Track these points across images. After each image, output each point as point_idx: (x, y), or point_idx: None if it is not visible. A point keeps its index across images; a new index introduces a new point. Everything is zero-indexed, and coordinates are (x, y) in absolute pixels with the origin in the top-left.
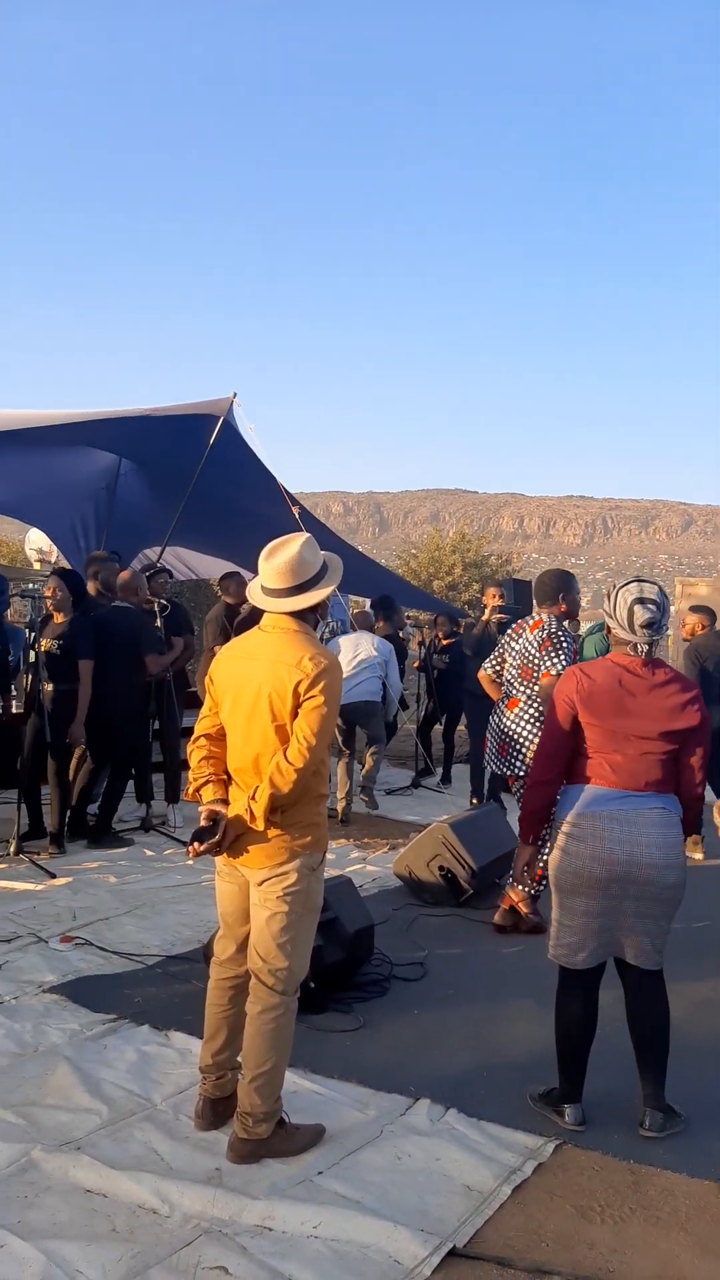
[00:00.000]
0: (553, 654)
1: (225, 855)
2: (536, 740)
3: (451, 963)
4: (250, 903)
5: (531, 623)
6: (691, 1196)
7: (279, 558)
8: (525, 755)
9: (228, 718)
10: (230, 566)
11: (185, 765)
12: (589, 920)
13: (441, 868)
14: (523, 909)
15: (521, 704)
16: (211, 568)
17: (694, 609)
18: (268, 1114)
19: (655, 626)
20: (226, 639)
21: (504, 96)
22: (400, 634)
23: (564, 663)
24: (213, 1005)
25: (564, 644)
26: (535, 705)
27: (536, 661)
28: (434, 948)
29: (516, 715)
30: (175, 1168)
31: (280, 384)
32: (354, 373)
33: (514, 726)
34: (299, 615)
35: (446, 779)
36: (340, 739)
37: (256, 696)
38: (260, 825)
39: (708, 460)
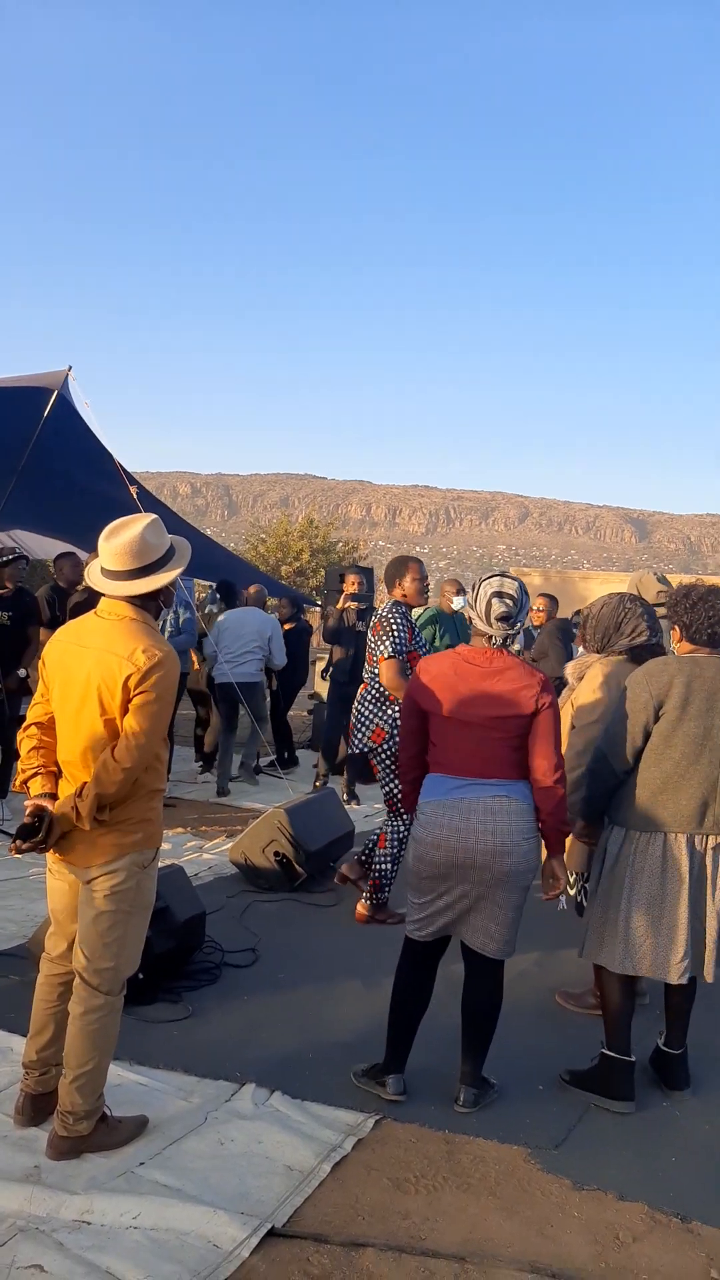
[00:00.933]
0: (382, 638)
1: (53, 852)
2: (376, 720)
3: (283, 948)
4: (79, 900)
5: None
6: (501, 1162)
7: (120, 538)
8: (365, 734)
9: (57, 707)
10: (66, 546)
11: (15, 756)
12: (432, 900)
13: (277, 853)
14: (360, 915)
15: (366, 685)
16: (50, 548)
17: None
18: (89, 1112)
19: (509, 620)
20: (53, 623)
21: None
22: None
23: (391, 647)
24: (41, 1001)
25: (394, 627)
26: (376, 687)
27: (372, 645)
28: (267, 934)
29: (361, 696)
30: None
31: (126, 361)
32: (204, 353)
33: (358, 706)
34: (139, 602)
35: (289, 762)
36: (223, 717)
37: (86, 687)
38: (86, 825)
39: (543, 454)
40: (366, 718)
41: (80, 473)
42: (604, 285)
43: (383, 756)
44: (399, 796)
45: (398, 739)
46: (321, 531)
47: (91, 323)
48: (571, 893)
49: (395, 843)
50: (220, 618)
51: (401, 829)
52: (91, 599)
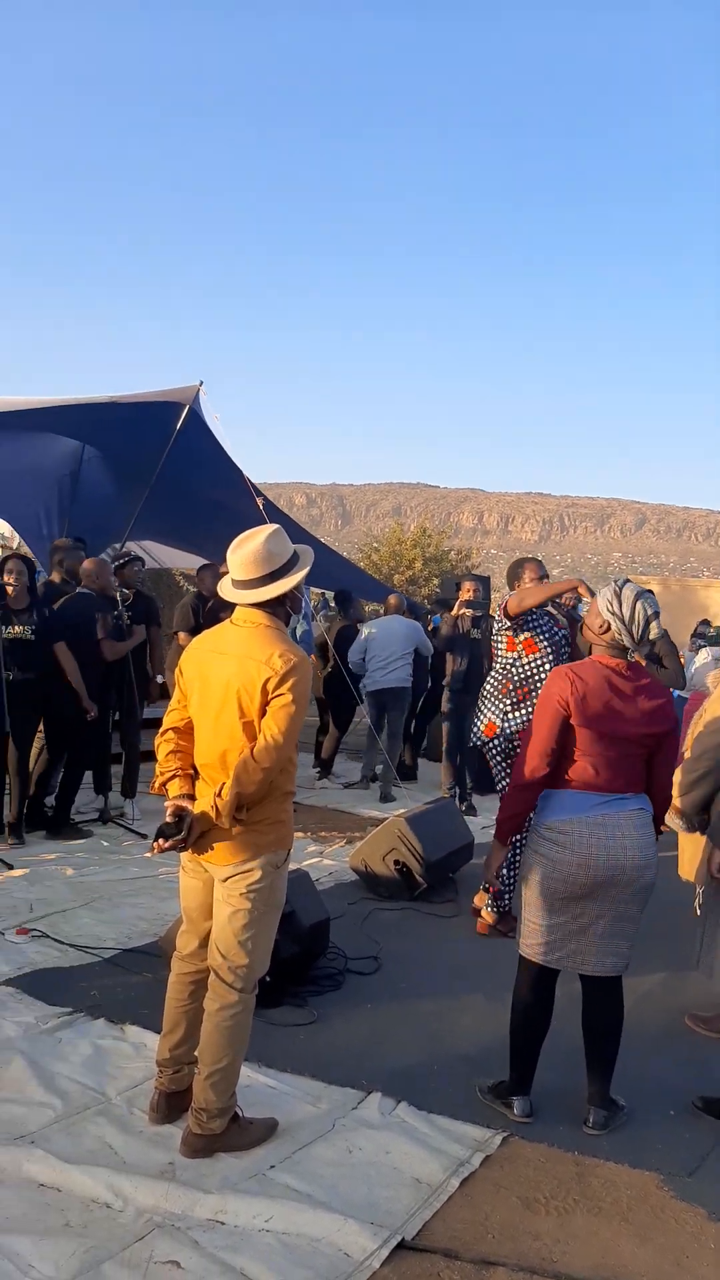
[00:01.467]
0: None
1: (190, 851)
2: (489, 713)
3: (405, 957)
4: (213, 899)
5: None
6: (633, 1187)
7: (246, 549)
8: (479, 728)
9: (196, 712)
10: (191, 557)
11: (145, 758)
12: (567, 922)
13: (397, 862)
14: (483, 925)
15: (488, 679)
16: (174, 558)
17: None
18: (222, 1110)
19: (621, 634)
20: (193, 629)
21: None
22: (358, 626)
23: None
24: (173, 1000)
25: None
26: (494, 680)
27: (494, 640)
28: (388, 942)
29: (482, 690)
30: (129, 1162)
31: (246, 375)
32: (320, 366)
33: (479, 700)
34: (269, 608)
35: (409, 773)
36: (371, 721)
37: (225, 691)
38: (226, 823)
39: (661, 461)
40: (482, 712)
41: (207, 485)
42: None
43: (493, 751)
44: None
45: (510, 733)
46: (434, 540)
47: (207, 336)
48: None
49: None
50: (369, 631)
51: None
52: (222, 607)
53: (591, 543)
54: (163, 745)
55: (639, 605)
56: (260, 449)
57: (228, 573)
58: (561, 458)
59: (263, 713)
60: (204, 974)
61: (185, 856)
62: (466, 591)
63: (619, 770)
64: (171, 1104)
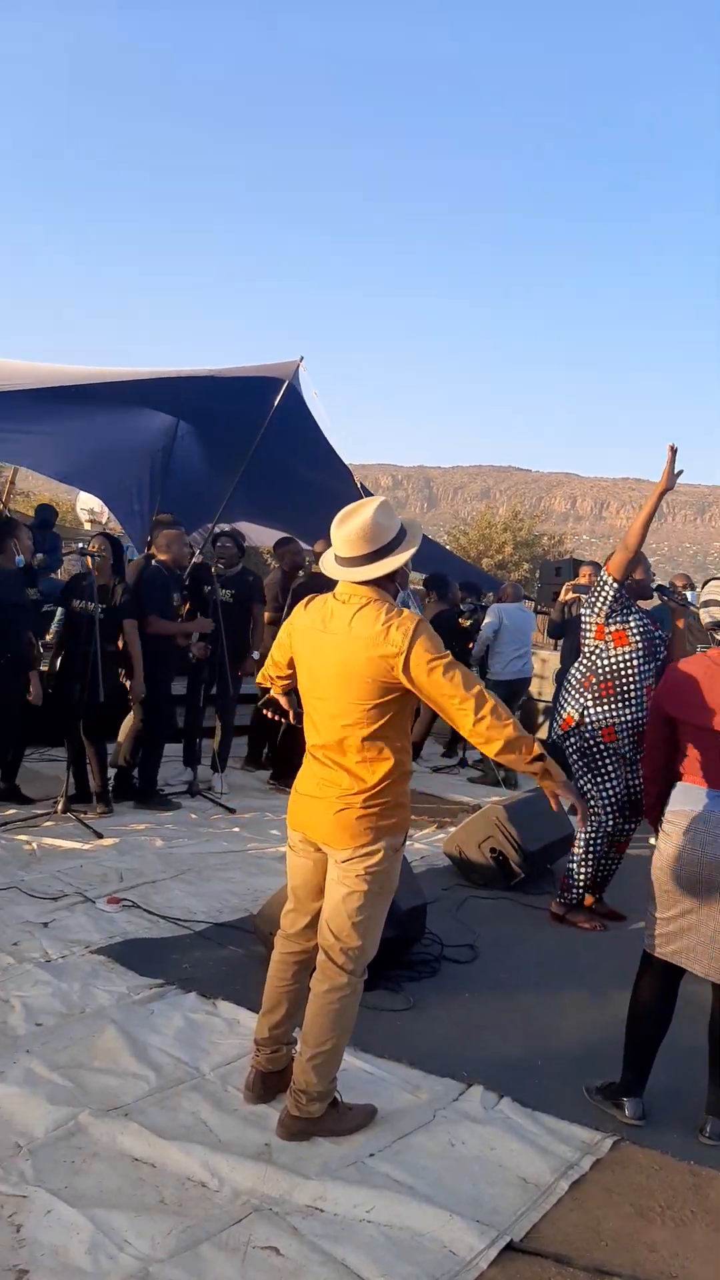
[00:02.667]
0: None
1: (299, 829)
2: (568, 706)
3: (502, 947)
4: (327, 879)
5: None
6: None
7: (352, 524)
8: (558, 721)
9: (306, 693)
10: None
11: (238, 733)
12: (677, 917)
13: (493, 849)
14: (574, 918)
15: (572, 670)
16: (262, 536)
17: None
18: (322, 1093)
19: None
20: (280, 609)
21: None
22: (466, 611)
23: (595, 613)
24: (275, 978)
25: (598, 597)
26: (575, 674)
27: (583, 627)
28: (484, 930)
29: (565, 682)
30: (224, 1140)
31: (329, 353)
32: (407, 345)
33: (562, 693)
34: (377, 584)
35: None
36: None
37: (340, 674)
38: (554, 772)
39: None
40: (561, 704)
41: (301, 464)
42: None
43: (570, 748)
44: (588, 793)
45: (588, 729)
46: (526, 524)
47: (299, 303)
48: None
49: (583, 845)
50: (499, 619)
51: (591, 831)
52: (313, 582)
53: (690, 532)
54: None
55: (706, 591)
56: (345, 429)
57: (323, 549)
58: (659, 443)
59: (388, 691)
60: (309, 954)
61: (296, 836)
62: (584, 576)
63: None
64: (268, 1084)
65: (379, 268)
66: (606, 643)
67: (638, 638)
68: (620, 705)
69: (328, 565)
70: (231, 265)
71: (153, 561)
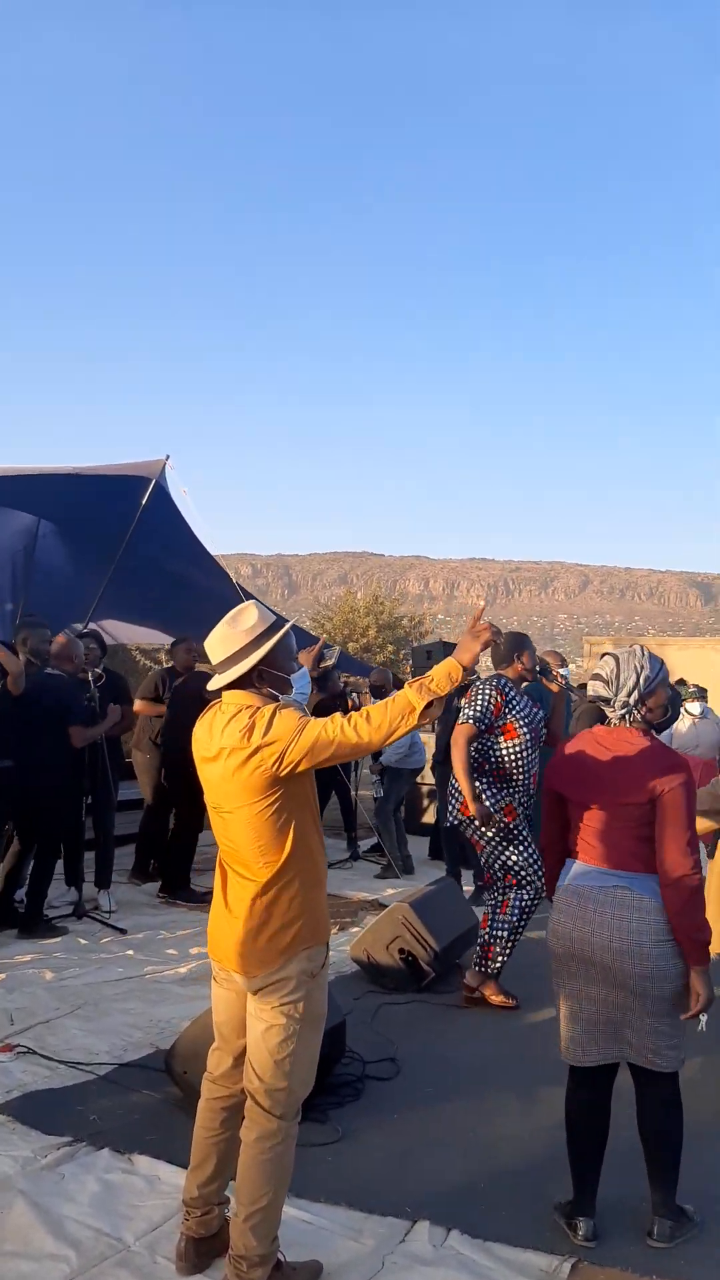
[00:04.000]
0: (467, 705)
1: (217, 958)
2: (456, 792)
3: (424, 1056)
4: (247, 1013)
5: None
6: None
7: (213, 633)
8: (455, 806)
9: (209, 803)
10: (150, 633)
11: (119, 843)
12: (573, 1004)
13: (402, 950)
14: (490, 991)
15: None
16: (131, 634)
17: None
18: (264, 1256)
19: (606, 702)
20: (154, 699)
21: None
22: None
23: (471, 713)
24: (203, 1129)
25: (480, 697)
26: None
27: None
28: (402, 1040)
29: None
30: None
31: (186, 446)
32: (260, 437)
33: (451, 779)
34: (251, 688)
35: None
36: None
37: (225, 780)
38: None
39: (602, 523)
40: (456, 789)
41: (170, 560)
42: (661, 341)
43: (476, 829)
44: (516, 868)
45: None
46: (387, 608)
47: (158, 407)
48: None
49: (517, 911)
50: None
51: (526, 898)
52: (193, 681)
53: (537, 605)
54: None
55: (605, 662)
56: (203, 520)
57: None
58: (503, 523)
59: (264, 786)
60: (238, 1098)
61: (217, 966)
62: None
63: (598, 841)
64: (201, 1250)
65: (223, 367)
66: (496, 736)
67: (524, 728)
68: (513, 789)
69: (213, 681)
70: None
71: (48, 670)
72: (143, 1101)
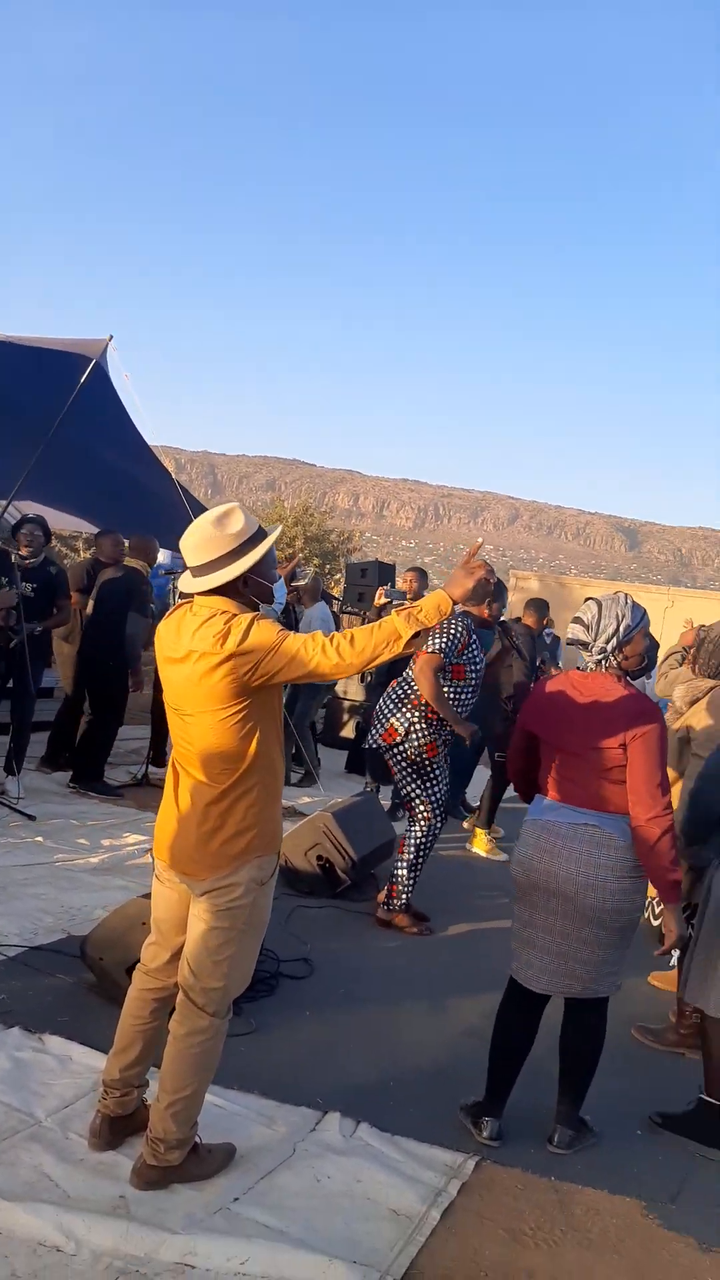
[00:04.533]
0: (435, 635)
1: (164, 859)
2: (391, 718)
3: (337, 959)
4: (189, 913)
5: None
6: (618, 1216)
7: (191, 532)
8: (379, 731)
9: (168, 706)
10: (76, 521)
11: (36, 729)
12: (527, 930)
13: (320, 857)
14: (401, 922)
15: (396, 683)
16: (63, 523)
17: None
18: (182, 1140)
19: (583, 645)
20: (84, 590)
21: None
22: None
23: (439, 644)
24: (130, 1016)
25: (451, 629)
26: (402, 688)
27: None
28: (317, 942)
29: (387, 692)
30: (74, 1196)
31: (116, 325)
32: (195, 327)
33: (381, 701)
34: (229, 594)
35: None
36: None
37: (192, 684)
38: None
39: (537, 457)
40: (383, 715)
41: (103, 447)
42: (611, 286)
43: (396, 756)
44: (419, 803)
45: (413, 744)
46: (317, 519)
47: (84, 284)
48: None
49: (413, 849)
50: (306, 623)
51: (419, 835)
52: (126, 579)
53: (465, 534)
54: None
55: (588, 607)
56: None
57: (136, 544)
58: (440, 446)
59: (233, 695)
60: (170, 992)
61: (161, 865)
62: (407, 581)
63: (569, 781)
64: (115, 1129)
65: (169, 242)
66: (445, 674)
67: (472, 673)
68: (443, 727)
69: (184, 580)
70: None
71: None
72: (55, 984)
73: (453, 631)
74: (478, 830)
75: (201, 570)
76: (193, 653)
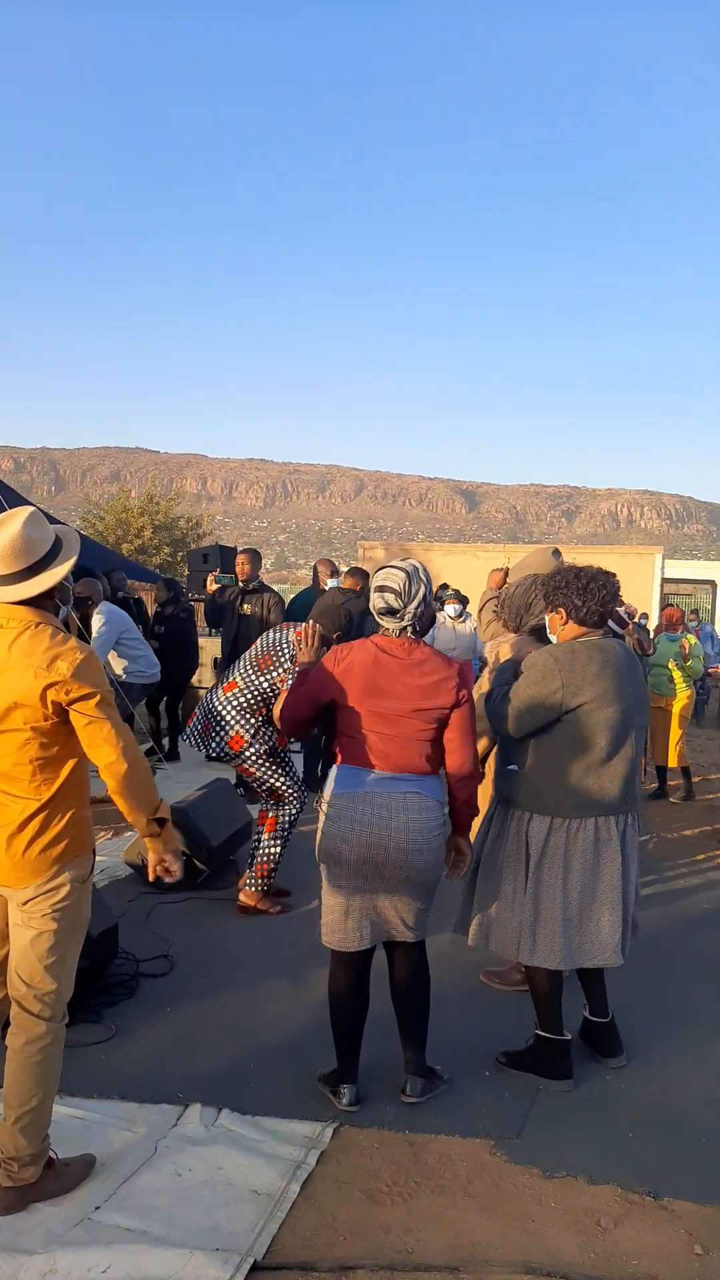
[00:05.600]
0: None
1: None
2: (236, 726)
3: (197, 951)
4: (10, 922)
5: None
6: (468, 1158)
7: (1, 540)
8: (223, 739)
9: None
10: None
11: None
12: (348, 899)
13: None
14: (264, 905)
15: (234, 687)
16: None
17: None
18: (35, 1156)
19: (393, 613)
20: None
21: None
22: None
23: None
24: None
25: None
26: (248, 696)
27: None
28: (177, 937)
29: (225, 698)
30: None
31: None
32: (20, 318)
33: (220, 707)
34: (36, 603)
35: (173, 755)
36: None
37: (5, 702)
38: (167, 834)
39: (377, 428)
40: (228, 723)
41: None
42: (429, 259)
43: (250, 757)
44: (283, 789)
45: (262, 741)
46: (163, 507)
47: None
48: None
49: (283, 827)
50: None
51: (291, 814)
52: None
53: (314, 508)
54: None
55: (373, 582)
56: None
57: None
58: (283, 424)
59: (53, 718)
60: (3, 1004)
61: None
62: (240, 564)
63: (390, 749)
64: None
65: None
66: (275, 688)
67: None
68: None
69: None
70: None
71: None
72: None
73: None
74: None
75: (15, 578)
76: (10, 665)
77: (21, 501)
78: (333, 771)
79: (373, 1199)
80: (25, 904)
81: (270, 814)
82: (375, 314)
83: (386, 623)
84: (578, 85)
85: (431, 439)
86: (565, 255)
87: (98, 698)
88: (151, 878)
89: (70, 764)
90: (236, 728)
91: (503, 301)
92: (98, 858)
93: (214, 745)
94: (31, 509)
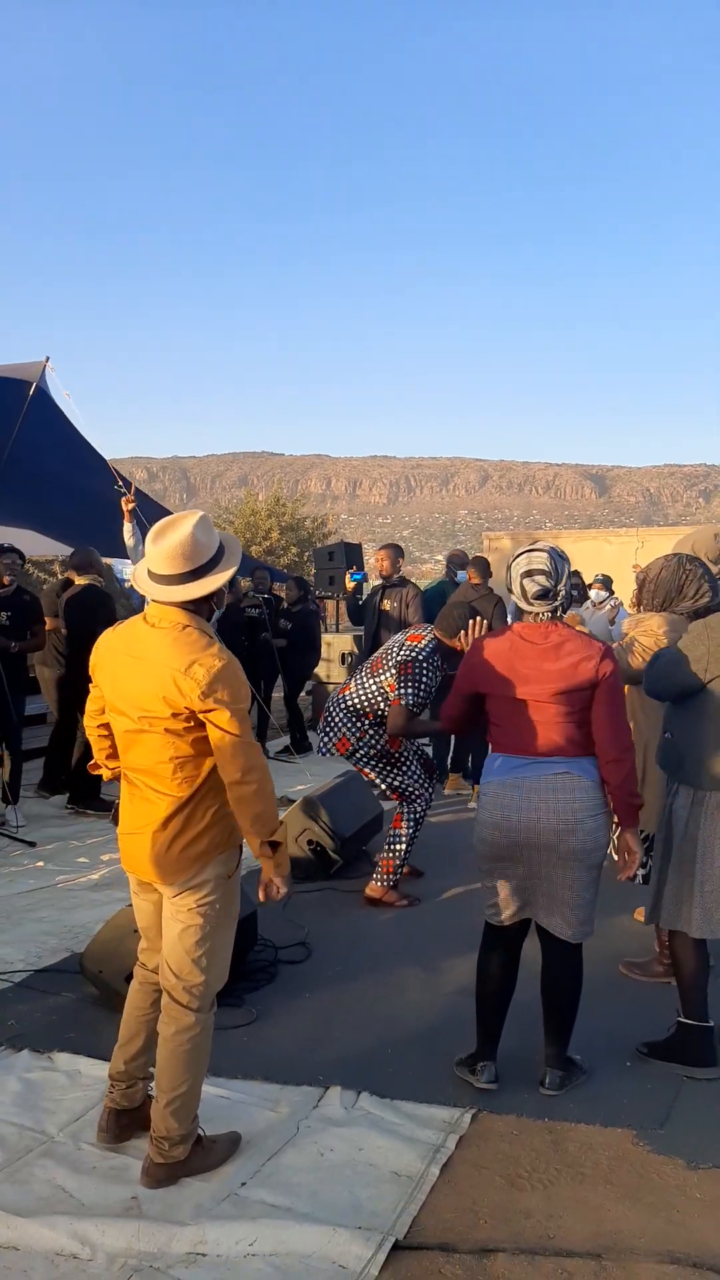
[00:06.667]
0: (408, 681)
1: (133, 871)
2: (344, 730)
3: (333, 939)
4: (163, 916)
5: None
6: (610, 1147)
7: (169, 539)
8: (331, 740)
9: (112, 718)
10: (41, 541)
11: (27, 758)
12: (505, 883)
13: (311, 841)
14: (390, 899)
15: (349, 689)
16: (32, 545)
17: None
18: (185, 1135)
19: (547, 595)
20: (56, 614)
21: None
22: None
23: (413, 695)
24: (133, 1008)
25: (425, 674)
26: (359, 701)
27: (396, 681)
28: (313, 925)
29: (338, 698)
30: (88, 1204)
31: (75, 344)
32: (152, 335)
33: (331, 708)
34: (192, 606)
35: (302, 746)
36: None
37: (144, 701)
38: (281, 858)
39: (499, 417)
40: (336, 724)
41: (59, 466)
42: (543, 243)
43: (362, 758)
44: (403, 788)
45: (373, 744)
46: (289, 509)
47: (29, 300)
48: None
49: (411, 824)
50: None
51: (419, 811)
52: (87, 594)
53: (438, 502)
54: (93, 730)
55: (513, 570)
56: (94, 422)
57: (77, 561)
58: (404, 420)
59: (190, 725)
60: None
61: (134, 879)
62: (379, 560)
63: (536, 733)
64: (122, 1122)
65: (125, 251)
66: (384, 691)
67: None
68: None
69: (141, 581)
70: None
71: None
72: (60, 1003)
73: (425, 682)
74: (475, 788)
75: (174, 580)
76: (158, 665)
77: (161, 510)
78: (489, 761)
79: (513, 1184)
80: (173, 898)
81: (399, 810)
82: (489, 302)
83: (538, 606)
84: None
85: (558, 425)
86: (691, 222)
87: (229, 712)
88: (263, 898)
89: (211, 762)
90: (343, 730)
91: (626, 275)
92: None
93: (324, 742)
94: (201, 513)
